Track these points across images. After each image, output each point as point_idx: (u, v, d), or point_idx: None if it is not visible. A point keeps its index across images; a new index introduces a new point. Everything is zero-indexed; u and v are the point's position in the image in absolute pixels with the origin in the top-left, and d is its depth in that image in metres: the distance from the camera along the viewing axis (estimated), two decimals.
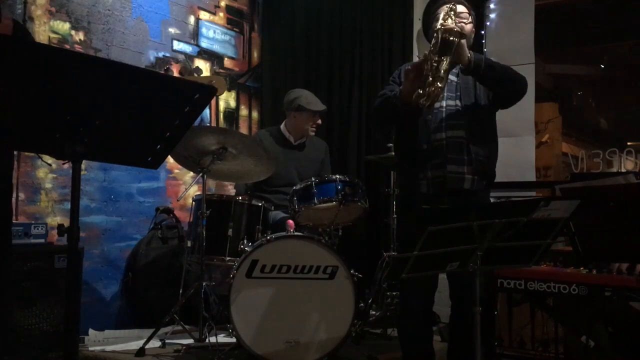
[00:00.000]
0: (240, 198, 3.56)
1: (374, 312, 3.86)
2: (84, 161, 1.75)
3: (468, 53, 2.48)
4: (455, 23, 2.44)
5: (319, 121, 3.99)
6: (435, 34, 2.42)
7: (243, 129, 4.99)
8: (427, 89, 2.37)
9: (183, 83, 1.87)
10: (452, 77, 2.59)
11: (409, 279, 2.54)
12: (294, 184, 3.52)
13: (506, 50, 4.27)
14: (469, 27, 2.65)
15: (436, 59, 2.38)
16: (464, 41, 2.41)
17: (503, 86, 2.61)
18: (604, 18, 5.04)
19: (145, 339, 3.27)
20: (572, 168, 4.64)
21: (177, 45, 4.50)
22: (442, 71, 2.36)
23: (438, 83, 2.36)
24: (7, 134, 1.71)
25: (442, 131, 2.54)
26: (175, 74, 4.41)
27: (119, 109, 1.69)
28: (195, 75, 4.29)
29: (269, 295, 3.04)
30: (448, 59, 2.37)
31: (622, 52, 5.92)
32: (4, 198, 2.45)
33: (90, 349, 3.40)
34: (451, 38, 2.36)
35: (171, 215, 4.21)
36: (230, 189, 4.72)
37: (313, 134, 4.02)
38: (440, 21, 2.44)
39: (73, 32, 3.82)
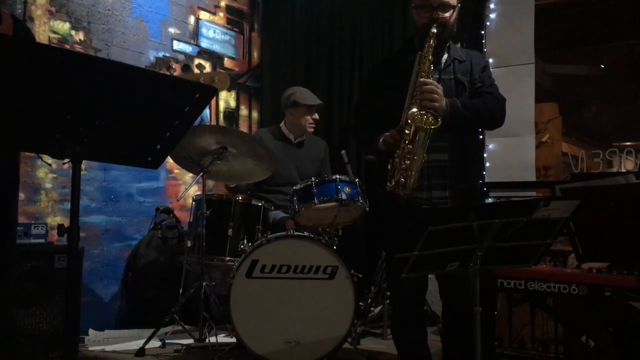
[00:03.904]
0: (240, 198, 3.56)
1: (374, 312, 3.86)
2: (84, 161, 1.75)
3: (445, 107, 2.37)
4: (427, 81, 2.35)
5: (316, 116, 4.00)
6: (408, 119, 2.32)
7: (243, 129, 4.98)
8: (404, 178, 2.30)
9: (183, 83, 1.87)
10: None
11: (397, 282, 2.55)
12: (294, 183, 3.52)
13: (506, 50, 4.27)
14: (452, 19, 2.51)
15: (411, 147, 2.30)
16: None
17: (478, 127, 2.60)
18: (604, 18, 5.04)
19: (145, 339, 3.27)
20: (572, 168, 4.64)
21: (177, 45, 4.50)
22: (416, 159, 2.30)
23: (413, 172, 2.29)
24: (8, 134, 1.71)
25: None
26: (177, 72, 4.42)
27: (119, 109, 1.69)
28: (198, 71, 4.28)
29: (269, 295, 3.04)
30: (423, 145, 2.30)
31: (622, 52, 5.92)
32: (11, 198, 2.46)
33: (90, 349, 3.40)
34: (423, 133, 2.30)
35: (171, 215, 4.20)
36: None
37: (312, 130, 4.02)
38: (413, 110, 2.32)
39: (73, 32, 3.82)
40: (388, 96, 2.54)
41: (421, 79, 2.37)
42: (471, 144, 2.62)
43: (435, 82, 2.38)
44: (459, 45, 3.00)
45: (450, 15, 2.50)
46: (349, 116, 4.71)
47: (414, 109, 2.32)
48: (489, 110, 2.54)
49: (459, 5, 2.56)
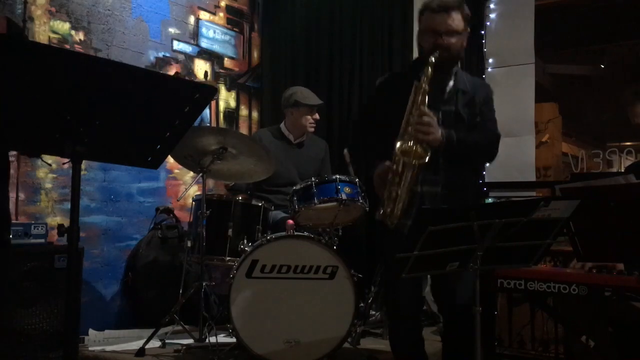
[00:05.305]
0: (240, 198, 3.56)
1: (373, 312, 3.86)
2: (84, 161, 1.75)
3: (440, 138, 2.34)
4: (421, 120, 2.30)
5: (317, 116, 3.99)
6: (397, 152, 2.28)
7: (243, 129, 4.99)
8: (390, 209, 2.29)
9: (183, 83, 1.87)
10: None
11: (394, 284, 2.54)
12: (294, 183, 3.52)
13: (506, 50, 4.27)
14: (457, 45, 2.45)
15: (397, 180, 2.28)
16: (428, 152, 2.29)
17: (468, 161, 2.54)
18: (604, 18, 5.04)
19: (145, 339, 3.27)
20: (572, 168, 4.65)
21: (177, 45, 4.50)
22: (403, 192, 2.27)
23: (400, 204, 2.27)
24: (8, 134, 1.71)
25: (416, 184, 2.35)
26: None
27: (119, 109, 1.69)
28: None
29: (269, 295, 3.04)
30: (411, 179, 2.28)
31: (622, 52, 5.92)
32: (2, 199, 2.45)
33: (90, 349, 3.40)
34: (411, 168, 2.26)
35: (171, 215, 4.21)
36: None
37: (312, 130, 4.02)
38: (403, 144, 2.28)
39: (73, 32, 3.82)
40: (387, 120, 2.49)
41: (416, 111, 2.32)
42: (467, 172, 2.57)
43: (430, 114, 2.33)
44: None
45: (456, 41, 2.43)
46: (349, 115, 4.71)
47: (404, 144, 2.30)
48: (483, 148, 2.52)
49: (469, 30, 2.51)
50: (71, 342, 2.37)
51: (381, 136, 2.51)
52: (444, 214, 1.95)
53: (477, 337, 2.04)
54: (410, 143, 2.30)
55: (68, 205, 2.94)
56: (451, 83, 2.52)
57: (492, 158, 2.60)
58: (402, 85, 2.49)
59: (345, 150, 3.95)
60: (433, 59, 2.35)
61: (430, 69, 2.34)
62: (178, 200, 4.20)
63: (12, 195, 2.88)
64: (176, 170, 4.40)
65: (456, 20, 2.43)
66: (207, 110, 4.69)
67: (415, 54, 4.51)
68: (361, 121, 2.82)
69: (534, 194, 4.25)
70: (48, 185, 3.66)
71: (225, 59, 4.92)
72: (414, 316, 2.59)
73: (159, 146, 1.81)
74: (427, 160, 2.27)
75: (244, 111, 5.08)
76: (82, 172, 2.11)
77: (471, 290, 2.35)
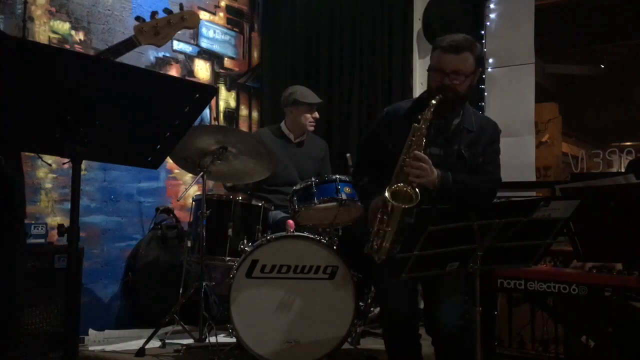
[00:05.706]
0: (240, 198, 3.56)
1: (374, 312, 3.85)
2: (84, 161, 1.75)
3: (434, 180, 2.34)
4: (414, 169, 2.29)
5: (316, 114, 3.99)
6: (387, 194, 2.27)
7: (243, 129, 4.98)
8: (377, 245, 2.30)
9: (183, 83, 1.87)
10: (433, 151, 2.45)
11: (386, 289, 2.55)
12: (294, 182, 3.52)
13: (506, 50, 4.27)
14: (464, 86, 2.41)
15: (386, 219, 2.29)
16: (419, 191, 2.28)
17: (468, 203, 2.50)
18: (604, 18, 5.04)
19: (145, 339, 3.27)
20: (572, 168, 4.64)
21: (177, 45, 4.50)
22: (390, 231, 2.28)
23: (387, 243, 2.28)
24: (8, 134, 1.71)
25: (410, 217, 2.31)
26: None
27: (119, 109, 1.69)
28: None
29: (269, 295, 3.04)
30: (400, 220, 2.27)
31: (622, 52, 5.93)
32: (20, 196, 2.44)
33: (90, 349, 3.40)
34: (398, 211, 2.26)
35: (171, 215, 4.21)
36: None
37: (312, 129, 4.02)
38: (393, 186, 2.28)
39: (73, 32, 3.82)
40: (386, 154, 2.48)
41: (411, 153, 2.32)
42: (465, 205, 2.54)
43: (425, 158, 2.32)
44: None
45: (462, 83, 2.40)
46: (349, 116, 4.71)
47: (394, 185, 2.30)
48: (480, 192, 2.49)
49: (480, 69, 2.50)
50: (71, 342, 2.36)
51: (379, 169, 2.50)
52: (444, 214, 1.95)
53: (477, 337, 2.04)
54: (401, 184, 2.30)
55: (68, 205, 2.94)
56: (456, 121, 2.50)
57: (490, 201, 2.56)
58: (404, 121, 2.46)
59: (348, 155, 3.94)
60: (434, 102, 2.34)
61: (430, 113, 2.33)
62: (178, 200, 4.20)
63: None
64: (176, 170, 4.39)
65: (466, 61, 2.40)
66: (207, 110, 4.69)
67: (415, 55, 4.59)
68: (364, 148, 2.82)
69: (534, 194, 4.24)
70: (48, 185, 3.66)
71: (225, 59, 4.92)
72: (409, 317, 2.57)
73: (159, 146, 1.81)
74: (414, 205, 2.26)
75: (244, 111, 5.08)
76: (82, 172, 2.11)
77: (458, 317, 2.38)
